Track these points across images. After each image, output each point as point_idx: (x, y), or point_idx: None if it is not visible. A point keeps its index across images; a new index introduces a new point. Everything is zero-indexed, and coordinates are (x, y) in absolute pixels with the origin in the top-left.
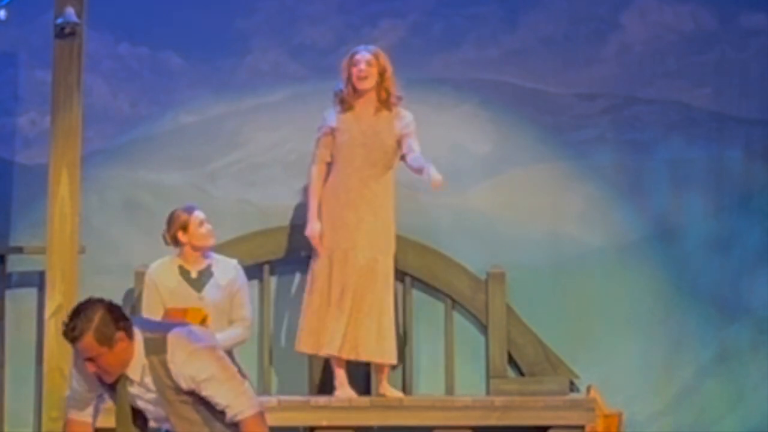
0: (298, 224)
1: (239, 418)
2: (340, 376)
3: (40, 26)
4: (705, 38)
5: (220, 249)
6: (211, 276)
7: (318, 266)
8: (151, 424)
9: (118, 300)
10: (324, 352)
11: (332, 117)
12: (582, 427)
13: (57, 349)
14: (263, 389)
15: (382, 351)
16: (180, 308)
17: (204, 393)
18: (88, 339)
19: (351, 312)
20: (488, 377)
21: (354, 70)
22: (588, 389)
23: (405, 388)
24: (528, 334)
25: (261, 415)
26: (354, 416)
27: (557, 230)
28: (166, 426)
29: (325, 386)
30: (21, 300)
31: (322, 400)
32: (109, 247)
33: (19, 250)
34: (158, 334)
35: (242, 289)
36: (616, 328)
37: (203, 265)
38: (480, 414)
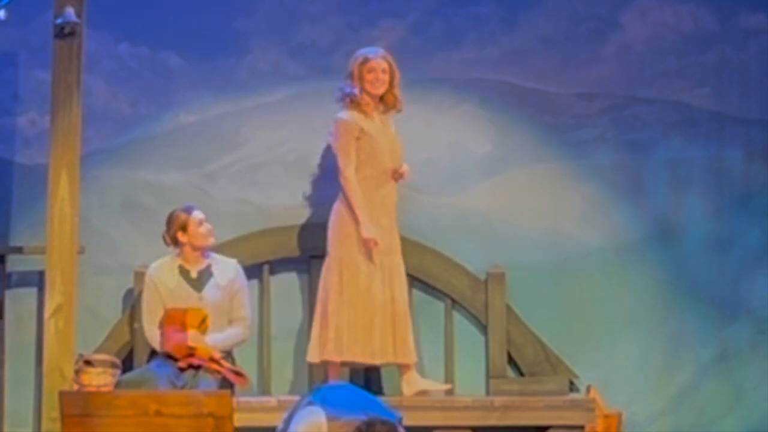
0: (298, 224)
1: None
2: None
3: (40, 26)
4: (705, 38)
5: (220, 249)
6: (210, 276)
7: (362, 273)
8: None
9: (117, 300)
10: (380, 361)
11: (353, 119)
12: (582, 427)
13: (57, 349)
14: (263, 389)
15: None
16: (180, 309)
17: None
18: None
19: (401, 318)
20: (488, 377)
21: (370, 77)
22: (588, 389)
23: None
24: (528, 334)
25: None
26: None
27: (557, 230)
28: None
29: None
30: (21, 300)
31: None
32: (109, 247)
33: (19, 250)
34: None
35: (242, 288)
36: (616, 328)
37: (203, 264)
38: (480, 414)
